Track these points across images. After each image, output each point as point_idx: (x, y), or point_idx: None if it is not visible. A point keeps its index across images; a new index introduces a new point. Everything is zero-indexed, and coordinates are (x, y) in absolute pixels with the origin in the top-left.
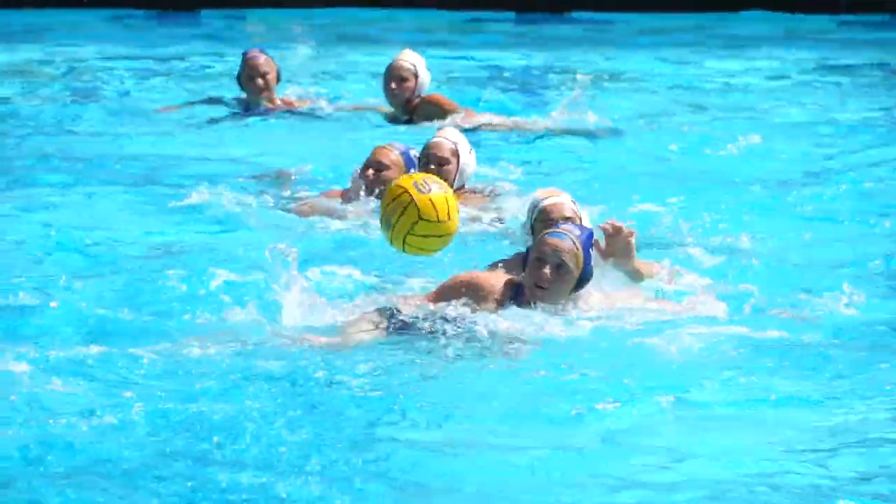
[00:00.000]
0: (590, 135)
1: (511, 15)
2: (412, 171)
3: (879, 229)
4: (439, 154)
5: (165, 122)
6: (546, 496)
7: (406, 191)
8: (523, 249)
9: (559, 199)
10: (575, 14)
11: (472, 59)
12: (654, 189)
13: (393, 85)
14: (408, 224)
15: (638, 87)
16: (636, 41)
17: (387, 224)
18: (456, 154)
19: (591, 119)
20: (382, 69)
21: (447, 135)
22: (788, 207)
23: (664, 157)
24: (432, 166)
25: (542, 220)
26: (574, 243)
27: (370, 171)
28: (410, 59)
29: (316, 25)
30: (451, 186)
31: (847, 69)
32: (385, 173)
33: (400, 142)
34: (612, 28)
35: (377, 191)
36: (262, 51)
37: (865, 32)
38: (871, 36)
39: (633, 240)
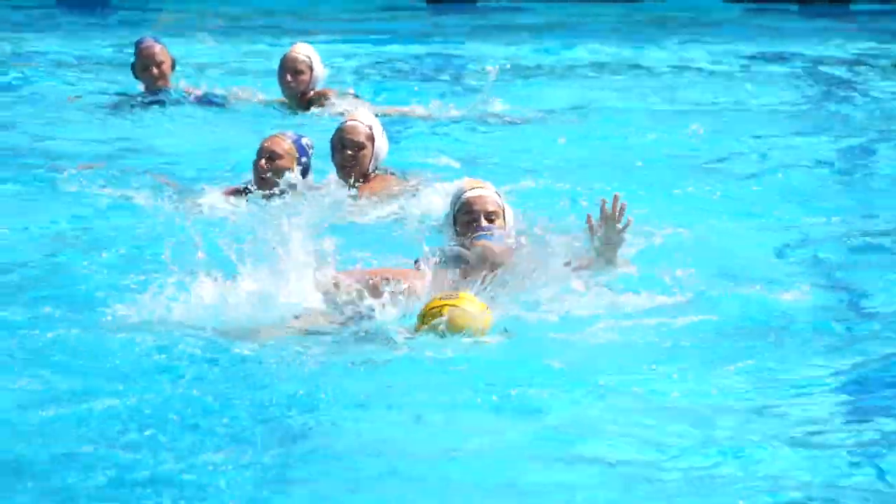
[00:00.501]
0: (502, 124)
1: (422, 3)
2: (303, 158)
3: (802, 218)
4: (355, 139)
5: (69, 111)
6: (482, 489)
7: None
8: (449, 241)
9: (483, 191)
10: (480, 4)
11: (382, 47)
12: (580, 176)
13: (288, 77)
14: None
15: (554, 75)
16: (552, 29)
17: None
18: (371, 138)
19: (499, 108)
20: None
21: (361, 118)
22: (705, 194)
23: (587, 144)
24: (349, 152)
25: (464, 212)
26: (505, 242)
27: (263, 161)
28: (305, 51)
29: (225, 14)
30: (368, 171)
31: (754, 58)
32: (278, 162)
33: (292, 131)
34: (523, 16)
35: (273, 179)
36: (156, 40)
37: (780, 21)
38: (786, 25)
39: (626, 233)
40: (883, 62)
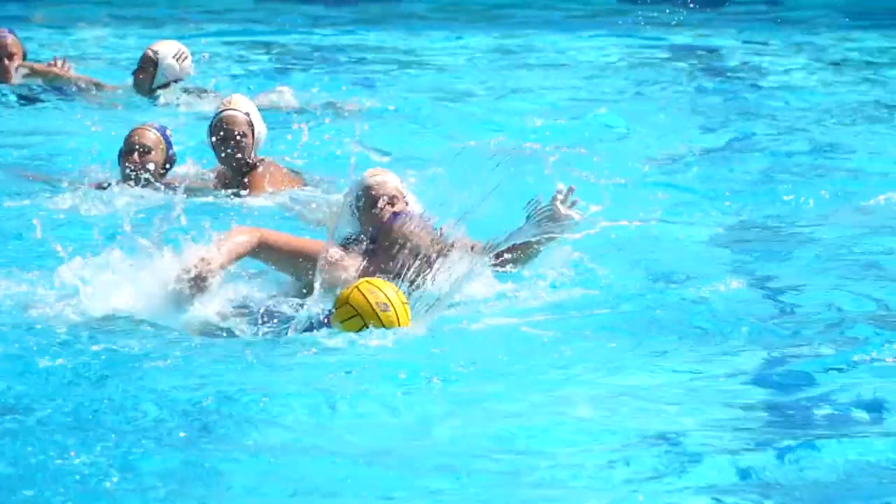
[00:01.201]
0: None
1: None
2: (170, 150)
3: (717, 211)
4: (235, 129)
5: None
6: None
7: (357, 315)
8: (352, 230)
9: (384, 177)
10: None
11: (268, 38)
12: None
13: (140, 74)
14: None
15: (433, 65)
16: (432, 19)
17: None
18: (251, 125)
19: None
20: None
21: (239, 106)
22: (619, 188)
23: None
24: (231, 142)
25: (365, 197)
26: (422, 224)
27: (135, 155)
28: (154, 48)
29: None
30: (248, 159)
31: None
32: (149, 157)
33: (155, 122)
34: (406, 6)
35: (143, 175)
36: (10, 31)
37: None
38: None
39: (570, 219)
40: (776, 53)
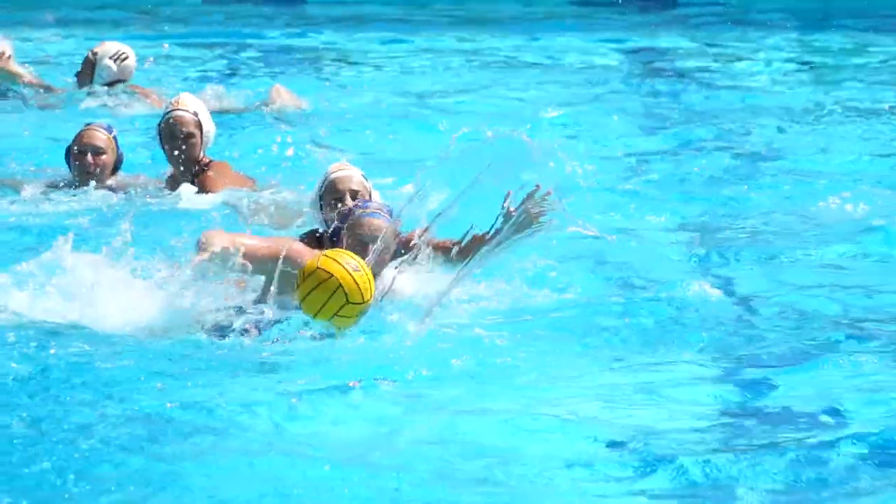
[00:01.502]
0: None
1: None
2: (119, 150)
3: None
4: (185, 129)
5: None
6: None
7: (333, 276)
8: (316, 225)
9: (348, 171)
10: None
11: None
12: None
13: (80, 75)
14: (335, 308)
15: (383, 65)
16: (385, 20)
17: (310, 307)
18: (199, 125)
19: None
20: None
21: (187, 105)
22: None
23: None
24: (180, 141)
25: (329, 191)
26: (386, 218)
27: (89, 157)
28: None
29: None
30: (198, 158)
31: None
32: (102, 157)
33: (103, 122)
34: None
35: (97, 174)
36: None
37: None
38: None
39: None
40: (725, 55)
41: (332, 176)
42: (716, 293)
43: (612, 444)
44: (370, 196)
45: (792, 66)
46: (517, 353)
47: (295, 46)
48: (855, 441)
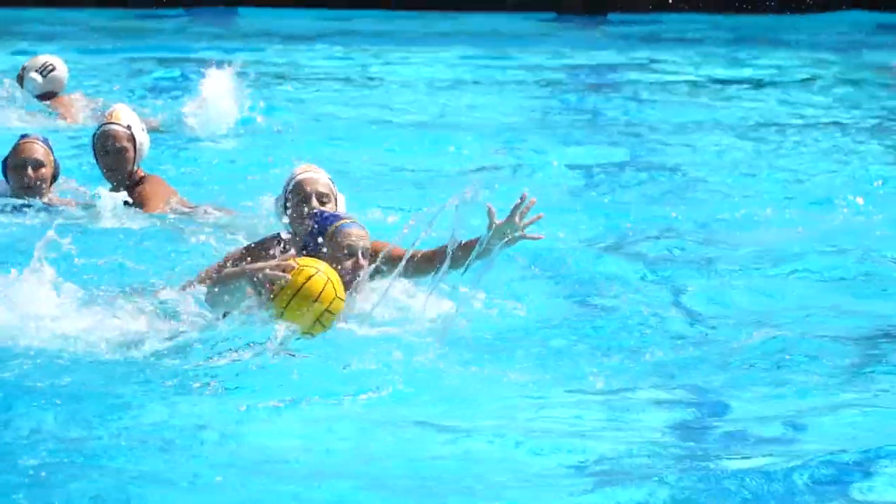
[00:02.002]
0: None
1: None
2: (56, 162)
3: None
4: (118, 143)
5: None
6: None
7: (320, 271)
8: (280, 228)
9: (315, 174)
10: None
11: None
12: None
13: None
14: (326, 303)
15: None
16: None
17: (301, 305)
18: (131, 138)
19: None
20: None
21: (119, 119)
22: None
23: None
24: (113, 155)
25: (296, 193)
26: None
27: (30, 170)
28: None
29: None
30: (130, 172)
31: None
32: (42, 170)
33: (37, 134)
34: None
35: (37, 187)
36: None
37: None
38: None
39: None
40: (640, 69)
41: (299, 177)
42: (670, 311)
43: (573, 464)
44: (336, 199)
45: (725, 82)
46: (474, 370)
47: (226, 61)
48: (813, 462)
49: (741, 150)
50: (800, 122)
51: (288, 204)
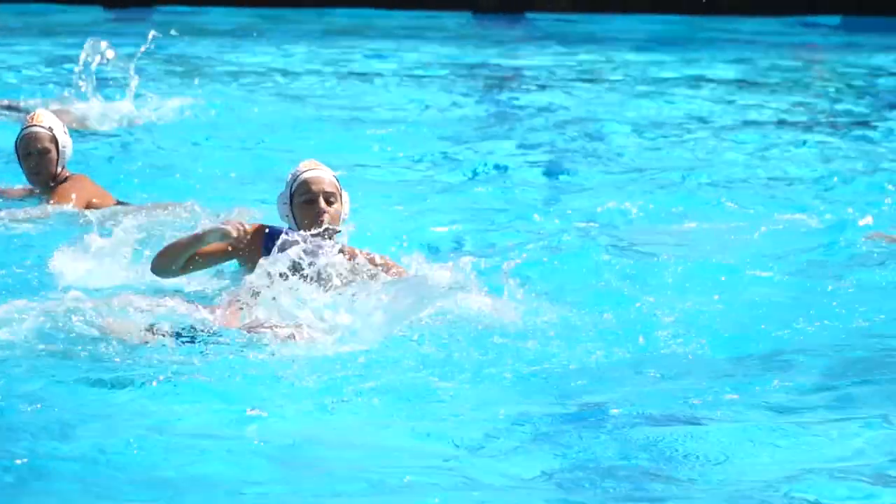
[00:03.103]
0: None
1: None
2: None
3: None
4: (40, 145)
5: None
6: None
7: None
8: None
9: (320, 172)
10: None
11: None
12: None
13: None
14: None
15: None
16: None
17: None
18: (54, 140)
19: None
20: None
21: (41, 121)
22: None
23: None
24: (35, 158)
25: (301, 192)
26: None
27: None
28: None
29: None
30: (55, 173)
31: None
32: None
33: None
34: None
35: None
36: None
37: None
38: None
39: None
40: (559, 70)
41: (304, 175)
42: (594, 325)
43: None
44: (341, 197)
45: (641, 83)
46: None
47: (145, 56)
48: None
49: (660, 147)
50: (724, 121)
51: (293, 202)
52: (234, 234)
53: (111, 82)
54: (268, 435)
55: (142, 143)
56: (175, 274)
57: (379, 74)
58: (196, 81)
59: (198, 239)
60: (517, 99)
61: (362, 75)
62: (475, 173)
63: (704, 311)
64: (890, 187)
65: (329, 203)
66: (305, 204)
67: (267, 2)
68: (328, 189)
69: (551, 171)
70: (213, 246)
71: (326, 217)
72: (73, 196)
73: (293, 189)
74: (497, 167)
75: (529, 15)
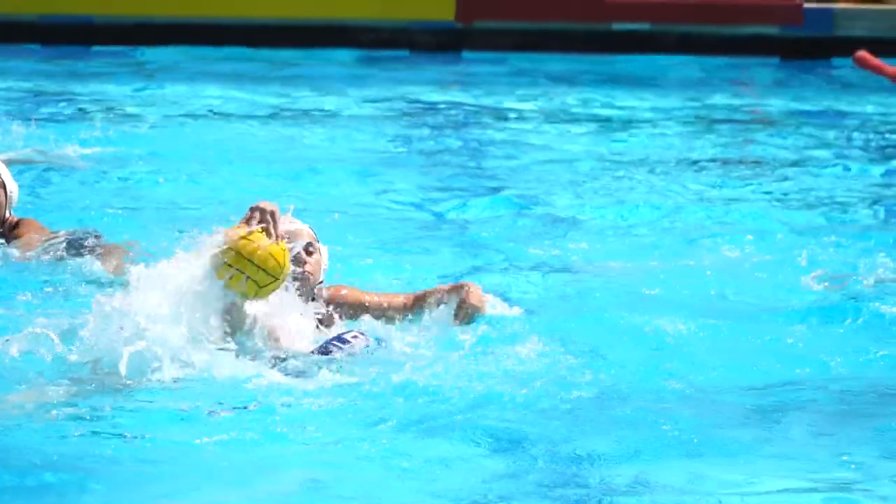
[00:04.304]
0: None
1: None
2: None
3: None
4: None
5: None
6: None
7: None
8: None
9: (298, 226)
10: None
11: None
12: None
13: None
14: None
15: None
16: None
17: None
18: (2, 186)
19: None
20: None
21: None
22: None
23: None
24: None
25: None
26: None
27: None
28: None
29: None
30: (3, 219)
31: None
32: None
33: None
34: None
35: None
36: None
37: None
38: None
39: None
40: (495, 109)
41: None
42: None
43: None
44: (320, 251)
45: (579, 122)
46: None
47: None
48: None
49: (604, 187)
50: (665, 159)
51: None
52: None
53: (51, 123)
54: None
55: (86, 180)
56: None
57: (311, 113)
58: (135, 121)
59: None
60: (453, 137)
61: (296, 112)
62: (408, 210)
63: (687, 340)
64: None
65: (309, 254)
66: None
67: (210, 41)
68: (307, 240)
69: (503, 208)
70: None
71: (308, 267)
72: (30, 240)
73: None
74: (434, 202)
75: (466, 54)
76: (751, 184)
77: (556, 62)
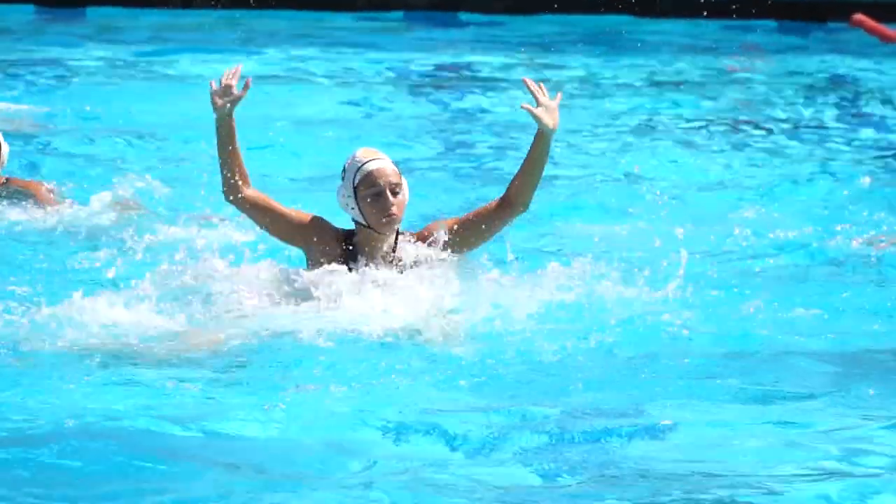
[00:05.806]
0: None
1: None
2: None
3: None
4: None
5: None
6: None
7: None
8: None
9: (383, 162)
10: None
11: None
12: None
13: None
14: None
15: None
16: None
17: None
18: None
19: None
20: None
21: None
22: None
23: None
24: None
25: (367, 185)
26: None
27: None
28: None
29: None
30: None
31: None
32: None
33: None
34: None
35: None
36: None
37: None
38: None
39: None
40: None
41: (367, 167)
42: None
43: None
44: (404, 186)
45: (574, 85)
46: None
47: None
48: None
49: (592, 151)
50: (651, 122)
51: (358, 196)
52: (220, 103)
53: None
54: None
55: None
56: (238, 183)
57: (310, 77)
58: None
59: (219, 138)
60: (451, 99)
61: (293, 78)
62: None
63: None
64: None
65: (394, 194)
66: (373, 197)
67: (204, 4)
68: (393, 180)
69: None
70: (228, 127)
71: (395, 209)
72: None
73: (356, 181)
74: (437, 167)
75: (463, 15)
76: (750, 145)
77: (545, 24)
